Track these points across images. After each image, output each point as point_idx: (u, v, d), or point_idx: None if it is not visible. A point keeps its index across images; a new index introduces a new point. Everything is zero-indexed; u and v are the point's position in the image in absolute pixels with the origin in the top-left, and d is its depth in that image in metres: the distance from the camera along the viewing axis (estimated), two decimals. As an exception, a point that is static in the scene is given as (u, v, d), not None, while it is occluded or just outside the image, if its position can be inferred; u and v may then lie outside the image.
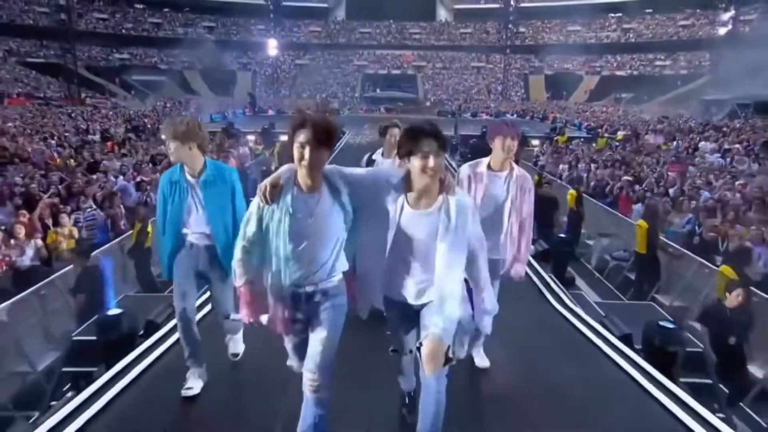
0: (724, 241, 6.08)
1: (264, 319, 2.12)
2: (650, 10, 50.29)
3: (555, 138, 19.20)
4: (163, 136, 2.64)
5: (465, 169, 2.94)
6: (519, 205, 2.89)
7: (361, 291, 2.15)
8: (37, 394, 3.93)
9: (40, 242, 5.52)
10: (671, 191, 8.46)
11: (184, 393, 2.68)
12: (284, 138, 13.62)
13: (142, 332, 3.50)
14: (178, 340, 2.92)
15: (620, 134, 19.01)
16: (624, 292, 6.38)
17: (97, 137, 15.47)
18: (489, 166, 2.90)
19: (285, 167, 2.01)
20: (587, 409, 2.79)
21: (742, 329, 4.15)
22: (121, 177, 8.58)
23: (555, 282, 4.82)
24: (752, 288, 4.60)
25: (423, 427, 2.09)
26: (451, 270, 1.96)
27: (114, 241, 5.98)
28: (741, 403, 4.08)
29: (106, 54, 49.14)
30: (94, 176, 8.55)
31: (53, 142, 12.89)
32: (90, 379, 3.03)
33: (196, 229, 2.66)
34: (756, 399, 4.14)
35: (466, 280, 2.10)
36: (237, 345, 3.08)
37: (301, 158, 1.90)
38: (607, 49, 50.66)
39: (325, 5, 56.22)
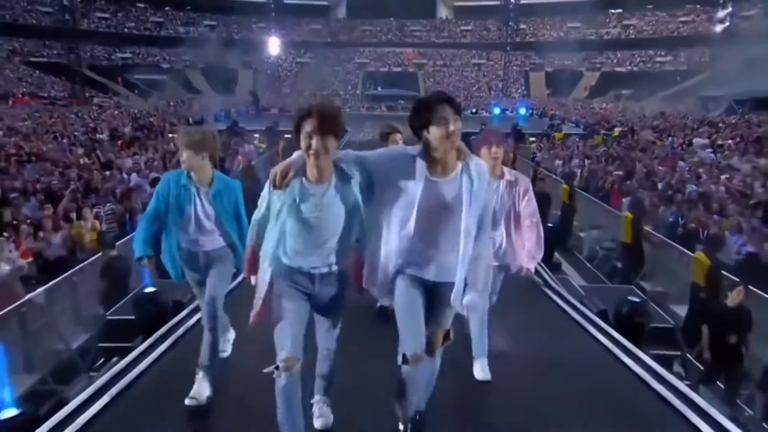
0: (705, 230, 6.48)
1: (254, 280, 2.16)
2: (650, 6, 50.41)
3: (552, 134, 19.56)
4: (177, 143, 2.68)
5: None
6: (518, 209, 2.92)
7: (376, 271, 2.11)
8: (72, 369, 4.37)
9: (66, 234, 5.95)
10: (660, 185, 8.85)
11: (188, 402, 2.53)
12: (288, 136, 14.00)
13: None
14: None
15: (617, 131, 19.34)
16: (612, 280, 6.79)
17: (105, 136, 15.88)
18: None
19: (296, 154, 2.00)
20: (564, 373, 3.14)
21: (742, 327, 4.29)
22: (135, 174, 9.01)
23: (542, 267, 5.22)
24: (724, 272, 5.01)
25: (414, 398, 2.15)
26: (471, 237, 1.99)
27: (132, 234, 6.40)
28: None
29: (109, 53, 49.41)
30: (107, 173, 9.00)
31: (65, 141, 13.31)
32: (125, 352, 3.43)
33: (192, 235, 2.68)
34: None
35: None
36: (225, 344, 3.10)
37: (308, 147, 1.90)
38: (608, 45, 50.73)
39: (326, 3, 56.50)
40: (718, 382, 4.40)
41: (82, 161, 10.03)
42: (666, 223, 7.25)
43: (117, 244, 5.57)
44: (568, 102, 41.35)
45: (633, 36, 50.59)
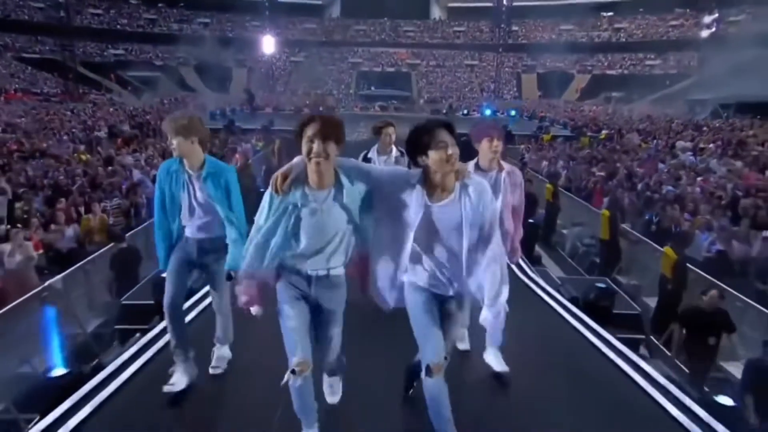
0: (678, 227, 6.94)
1: (255, 310, 2.14)
2: (641, 10, 51.09)
3: (540, 136, 20.04)
4: (166, 131, 2.62)
5: None
6: (510, 199, 3.00)
7: (376, 283, 2.18)
8: (87, 351, 4.73)
9: (77, 227, 6.28)
10: (639, 186, 9.33)
11: (166, 389, 2.61)
12: (284, 135, 14.32)
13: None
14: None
15: (604, 133, 19.86)
16: (590, 274, 7.24)
17: (103, 133, 16.11)
18: (478, 167, 2.98)
19: (298, 159, 2.02)
20: (536, 350, 3.56)
21: (718, 328, 4.47)
22: (137, 171, 9.32)
23: (523, 260, 5.64)
24: (694, 268, 5.46)
25: (448, 414, 2.12)
26: (475, 251, 2.05)
27: (140, 227, 6.76)
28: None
29: (101, 50, 49.22)
30: (109, 169, 9.30)
31: (66, 137, 13.55)
32: (143, 332, 3.78)
33: (190, 221, 2.67)
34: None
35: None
36: (221, 360, 3.03)
37: (309, 152, 1.92)
38: (599, 48, 51.27)
39: (320, 2, 56.70)
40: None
41: (84, 158, 10.31)
42: (642, 221, 7.71)
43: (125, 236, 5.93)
44: (559, 104, 41.75)
45: (624, 39, 51.14)
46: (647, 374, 3.25)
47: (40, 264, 5.92)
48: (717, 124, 20.67)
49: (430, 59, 54.64)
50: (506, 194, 2.96)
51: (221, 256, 2.66)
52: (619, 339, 3.87)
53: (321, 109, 29.95)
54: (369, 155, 4.02)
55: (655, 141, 16.97)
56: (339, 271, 2.14)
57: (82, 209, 6.87)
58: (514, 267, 5.41)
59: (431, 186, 2.01)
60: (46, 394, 2.56)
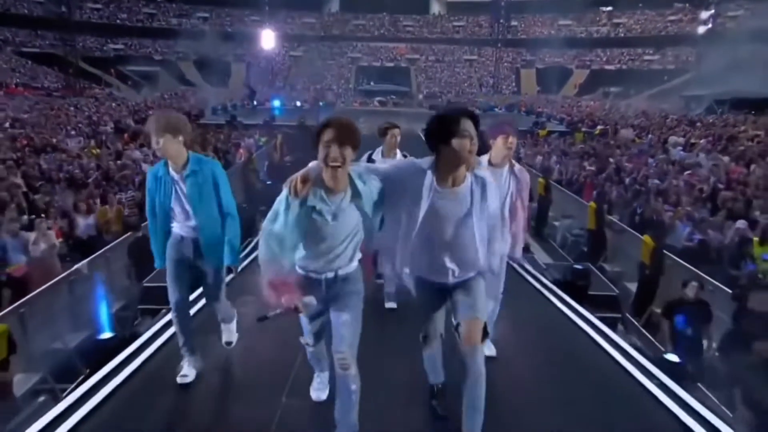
0: (659, 218, 7.36)
1: (308, 299, 2.12)
2: (640, 5, 51.21)
3: (536, 131, 20.41)
4: (149, 131, 2.57)
5: None
6: (518, 197, 3.05)
7: (388, 269, 2.34)
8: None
9: (95, 217, 6.70)
10: (627, 180, 9.74)
11: (180, 380, 2.80)
12: (286, 130, 14.71)
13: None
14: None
15: (598, 128, 20.20)
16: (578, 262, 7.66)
17: (109, 128, 16.46)
18: (490, 162, 3.03)
19: (314, 164, 2.06)
20: (526, 330, 3.91)
21: (701, 319, 4.66)
22: (146, 165, 9.70)
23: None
24: (666, 252, 5.89)
25: (472, 405, 2.19)
26: (485, 243, 2.12)
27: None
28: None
29: (101, 44, 49.34)
30: (119, 162, 9.70)
31: (73, 132, 13.92)
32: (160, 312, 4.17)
33: (182, 222, 2.70)
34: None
35: None
36: (231, 334, 3.19)
37: (326, 156, 1.95)
38: (597, 43, 51.44)
39: (320, -3, 56.83)
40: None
41: (95, 152, 10.70)
42: (628, 213, 8.13)
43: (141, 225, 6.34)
44: (557, 99, 41.92)
45: (622, 34, 51.33)
46: (623, 349, 3.60)
47: (62, 252, 6.35)
48: (710, 120, 20.95)
49: (429, 54, 54.77)
50: (515, 191, 3.03)
51: (217, 252, 2.74)
52: (598, 318, 4.30)
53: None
54: (373, 157, 3.96)
55: (649, 136, 17.27)
56: (351, 268, 2.19)
57: (98, 201, 7.27)
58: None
59: (442, 174, 2.06)
60: (97, 352, 2.99)
